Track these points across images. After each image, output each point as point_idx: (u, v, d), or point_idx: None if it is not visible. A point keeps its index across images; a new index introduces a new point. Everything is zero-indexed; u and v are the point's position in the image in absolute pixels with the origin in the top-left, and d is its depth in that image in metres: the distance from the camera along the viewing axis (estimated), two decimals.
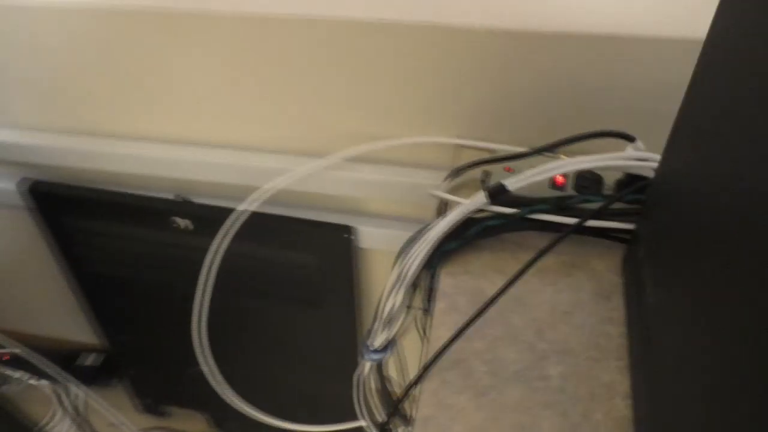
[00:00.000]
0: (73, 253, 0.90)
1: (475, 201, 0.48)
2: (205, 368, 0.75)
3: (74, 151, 0.74)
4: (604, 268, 0.49)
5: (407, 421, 0.53)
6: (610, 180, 0.52)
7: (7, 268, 1.09)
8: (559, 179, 0.51)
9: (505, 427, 0.39)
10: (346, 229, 0.71)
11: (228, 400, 0.80)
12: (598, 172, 0.51)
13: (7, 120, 0.76)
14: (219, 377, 0.76)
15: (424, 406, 0.40)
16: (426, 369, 0.41)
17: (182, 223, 0.75)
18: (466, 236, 0.48)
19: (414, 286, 0.52)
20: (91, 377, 1.19)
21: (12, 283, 1.13)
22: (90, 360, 1.25)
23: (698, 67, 0.35)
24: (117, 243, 0.84)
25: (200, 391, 1.11)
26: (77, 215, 0.82)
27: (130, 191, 0.77)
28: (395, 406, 0.51)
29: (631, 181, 0.50)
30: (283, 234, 0.74)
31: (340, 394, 0.63)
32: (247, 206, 0.65)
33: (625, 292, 0.47)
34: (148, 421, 1.24)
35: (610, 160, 0.48)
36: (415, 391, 0.43)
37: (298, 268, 0.77)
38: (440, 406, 0.40)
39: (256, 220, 0.68)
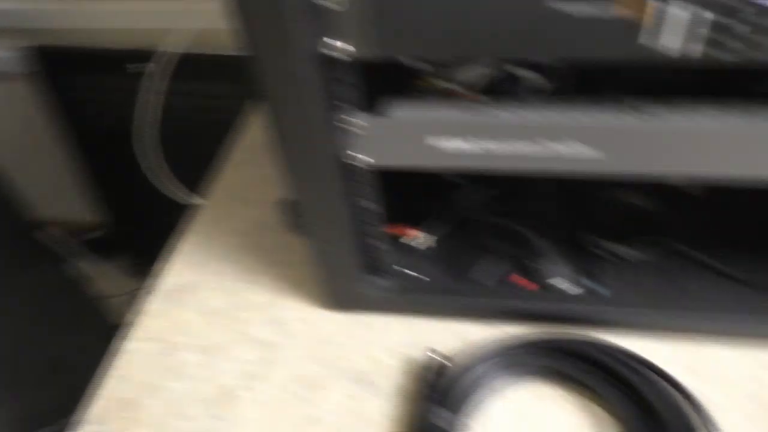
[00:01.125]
0: (70, 114, 1.12)
1: None
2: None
3: (66, 12, 0.98)
4: None
5: None
6: None
7: (15, 145, 1.27)
8: None
9: None
10: None
11: None
12: None
13: None
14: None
15: None
16: None
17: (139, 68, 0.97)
18: None
19: None
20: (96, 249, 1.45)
21: (21, 163, 1.32)
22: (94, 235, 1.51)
23: None
24: (100, 95, 1.07)
25: None
26: (72, 72, 1.05)
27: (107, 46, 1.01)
28: None
29: None
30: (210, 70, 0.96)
31: None
32: (173, 48, 0.89)
33: None
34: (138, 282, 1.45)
35: None
36: None
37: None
38: None
39: (185, 61, 0.92)
